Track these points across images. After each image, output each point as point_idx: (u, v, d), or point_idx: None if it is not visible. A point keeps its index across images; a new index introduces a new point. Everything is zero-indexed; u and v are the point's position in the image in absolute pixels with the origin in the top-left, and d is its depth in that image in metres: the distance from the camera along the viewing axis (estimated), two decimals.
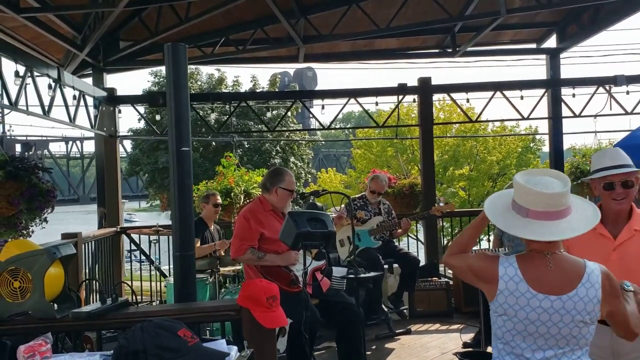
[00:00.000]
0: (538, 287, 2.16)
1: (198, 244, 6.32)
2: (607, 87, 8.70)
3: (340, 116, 11.40)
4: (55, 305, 3.24)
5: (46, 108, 6.55)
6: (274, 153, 24.18)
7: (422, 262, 7.68)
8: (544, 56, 9.56)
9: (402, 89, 8.70)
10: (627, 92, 8.72)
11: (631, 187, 2.83)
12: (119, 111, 8.51)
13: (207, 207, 6.72)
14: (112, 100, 8.35)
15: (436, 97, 12.39)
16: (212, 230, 6.74)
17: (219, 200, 6.89)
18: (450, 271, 8.45)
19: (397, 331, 6.50)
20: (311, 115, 10.63)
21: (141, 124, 24.16)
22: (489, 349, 5.50)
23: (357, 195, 7.08)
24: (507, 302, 2.19)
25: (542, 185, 2.17)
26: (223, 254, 6.25)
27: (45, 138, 46.78)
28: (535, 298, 2.15)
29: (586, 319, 2.15)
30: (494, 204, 2.34)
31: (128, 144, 29.46)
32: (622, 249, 2.78)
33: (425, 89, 8.60)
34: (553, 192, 2.13)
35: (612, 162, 2.86)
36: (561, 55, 9.35)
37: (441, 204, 7.09)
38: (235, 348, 2.28)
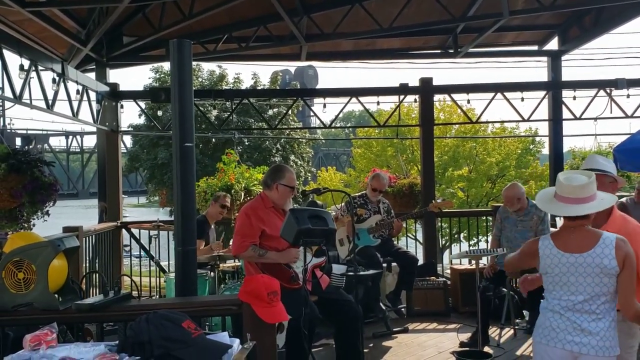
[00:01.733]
0: (565, 249, 2.95)
1: (202, 246, 6.33)
2: (608, 90, 8.73)
3: (340, 115, 11.42)
4: (59, 297, 3.28)
5: (50, 102, 6.58)
6: (274, 151, 24.19)
7: (421, 262, 7.72)
8: (545, 58, 9.58)
9: (403, 89, 8.74)
10: (628, 96, 8.75)
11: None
12: (121, 106, 8.55)
13: (214, 206, 6.66)
14: (115, 95, 8.38)
15: (437, 97, 12.42)
16: (212, 229, 6.77)
17: (227, 202, 6.82)
18: (448, 271, 8.49)
19: (394, 329, 6.54)
20: (312, 114, 10.66)
21: (141, 120, 24.17)
22: (486, 349, 5.55)
23: (357, 194, 7.11)
24: (546, 263, 3.00)
25: (570, 179, 2.99)
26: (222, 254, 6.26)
27: (45, 132, 46.82)
28: (563, 256, 2.94)
29: (604, 271, 2.85)
30: (542, 198, 3.19)
31: (128, 140, 29.51)
32: None
33: (426, 90, 8.63)
34: (575, 184, 2.95)
35: (587, 166, 3.52)
36: (562, 58, 9.37)
37: (438, 200, 7.14)
38: (237, 341, 2.31)
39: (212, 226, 6.83)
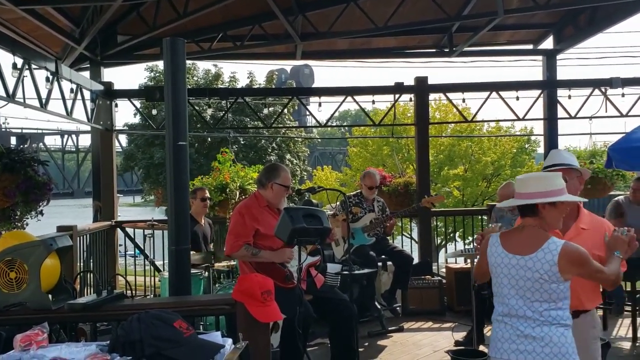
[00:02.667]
0: (509, 249, 2.87)
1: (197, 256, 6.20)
2: (603, 89, 8.74)
3: (336, 114, 11.41)
4: (51, 297, 3.25)
5: (43, 101, 6.55)
6: (269, 150, 24.16)
7: (416, 261, 7.72)
8: (540, 57, 9.59)
9: (398, 88, 8.73)
10: (623, 95, 8.75)
11: (565, 182, 3.06)
12: (116, 105, 8.52)
13: (195, 203, 6.49)
14: (109, 94, 8.35)
15: (432, 96, 12.42)
16: (203, 225, 6.66)
17: (207, 194, 6.71)
18: (443, 270, 8.49)
19: (389, 328, 6.54)
20: (308, 113, 10.64)
21: (137, 119, 24.13)
22: (481, 347, 5.55)
23: (352, 193, 7.11)
24: (491, 262, 2.95)
25: (526, 175, 3.01)
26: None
27: (40, 131, 46.66)
28: (507, 257, 2.87)
29: (544, 277, 2.73)
30: (502, 204, 3.42)
31: (123, 139, 29.42)
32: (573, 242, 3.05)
33: (421, 88, 8.63)
34: (520, 178, 2.96)
35: (550, 161, 3.41)
36: (557, 57, 9.38)
37: (433, 195, 7.15)
38: (230, 340, 2.30)
39: (204, 221, 6.73)
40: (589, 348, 3.09)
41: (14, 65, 5.97)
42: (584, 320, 3.10)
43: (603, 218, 3.41)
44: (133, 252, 9.14)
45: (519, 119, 9.11)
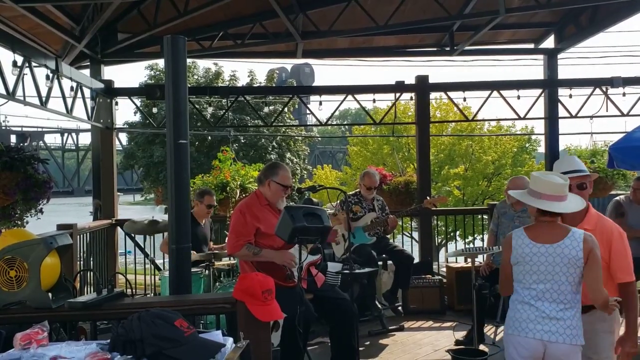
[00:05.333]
0: (536, 239, 3.18)
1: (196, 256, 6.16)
2: (604, 89, 8.73)
3: (337, 113, 11.40)
4: (51, 295, 3.24)
5: (43, 99, 6.53)
6: (270, 148, 24.15)
7: (416, 260, 7.71)
8: (541, 56, 9.57)
9: (399, 87, 8.71)
10: (624, 94, 8.74)
11: (585, 188, 3.53)
12: (116, 103, 8.50)
13: (200, 206, 6.43)
14: (109, 92, 8.33)
15: (433, 95, 12.40)
16: (203, 226, 6.63)
17: (214, 202, 6.60)
18: (443, 269, 8.48)
19: (390, 328, 6.53)
20: (308, 112, 10.62)
21: (137, 117, 24.11)
22: (481, 347, 5.55)
23: (351, 193, 7.10)
24: (517, 253, 3.21)
25: (552, 178, 3.22)
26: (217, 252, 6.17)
27: (40, 129, 46.66)
28: (535, 246, 3.17)
29: (572, 261, 3.09)
30: (515, 193, 3.44)
31: (123, 138, 29.42)
32: None
33: (422, 87, 8.61)
34: (559, 182, 3.19)
35: (570, 167, 3.56)
36: (559, 56, 9.37)
37: (435, 196, 7.13)
38: (230, 339, 2.29)
39: (205, 221, 6.68)
40: (594, 340, 3.32)
41: (14, 63, 5.95)
42: (592, 315, 3.30)
43: (611, 220, 3.54)
44: (128, 250, 9.04)
45: (519, 118, 9.10)
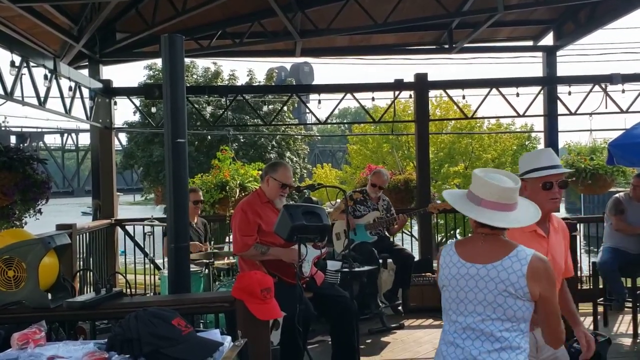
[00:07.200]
0: (467, 258, 2.42)
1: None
2: (603, 86, 8.72)
3: (336, 112, 11.40)
4: (50, 295, 3.24)
5: (42, 99, 6.52)
6: (269, 148, 24.12)
7: (416, 258, 7.70)
8: (540, 54, 9.56)
9: (398, 85, 8.71)
10: (623, 91, 8.72)
11: (565, 187, 3.01)
12: (115, 103, 8.49)
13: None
14: (108, 92, 8.32)
15: (432, 93, 12.38)
16: (195, 225, 6.62)
17: (200, 197, 6.69)
18: None
19: (390, 326, 6.53)
20: (307, 111, 10.61)
21: (136, 117, 24.07)
22: None
23: (358, 189, 7.12)
24: (444, 274, 2.47)
25: (497, 180, 2.42)
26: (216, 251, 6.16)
27: (40, 130, 46.62)
28: (464, 266, 2.41)
29: (509, 289, 2.30)
30: (451, 194, 2.61)
31: (123, 138, 29.39)
32: (551, 246, 2.91)
33: (421, 85, 8.60)
34: (505, 187, 2.40)
35: (550, 162, 2.95)
36: (557, 53, 9.35)
37: (437, 202, 7.13)
38: (229, 338, 2.29)
39: (197, 220, 6.68)
40: None
41: (12, 63, 5.93)
42: None
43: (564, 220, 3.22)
44: (123, 250, 9.00)
45: (519, 116, 9.07)
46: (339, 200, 6.71)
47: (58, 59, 7.01)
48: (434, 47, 9.59)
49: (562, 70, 9.43)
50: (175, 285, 3.91)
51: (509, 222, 2.39)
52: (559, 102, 8.96)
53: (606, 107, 8.85)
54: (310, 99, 9.63)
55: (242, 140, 23.41)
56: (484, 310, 2.34)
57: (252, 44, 8.61)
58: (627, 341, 6.12)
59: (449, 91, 9.43)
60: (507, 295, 2.31)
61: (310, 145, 37.50)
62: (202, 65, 25.10)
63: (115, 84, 8.50)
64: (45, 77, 6.53)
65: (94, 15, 6.84)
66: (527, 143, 21.86)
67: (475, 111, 9.75)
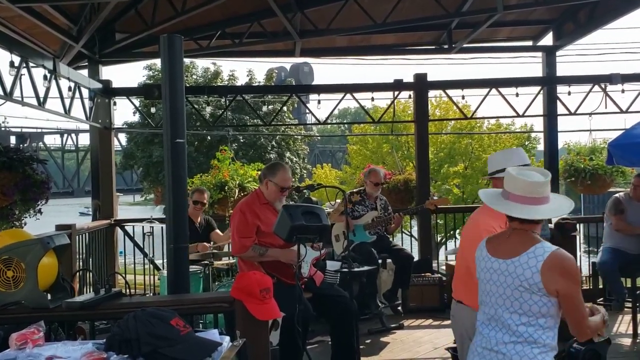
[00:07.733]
0: (493, 252, 2.58)
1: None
2: (603, 86, 8.71)
3: (336, 112, 11.40)
4: (49, 295, 3.24)
5: (41, 99, 6.52)
6: (269, 148, 24.12)
7: (416, 258, 7.70)
8: (540, 54, 9.55)
9: (398, 85, 8.71)
10: (623, 91, 8.72)
11: None
12: (114, 103, 8.49)
13: (190, 205, 6.39)
14: (108, 92, 8.32)
15: (432, 94, 12.37)
16: (198, 225, 6.63)
17: (203, 199, 6.68)
18: (443, 267, 8.47)
19: (390, 326, 6.53)
20: (307, 111, 10.61)
21: (136, 118, 24.07)
22: None
23: (355, 190, 7.11)
24: (478, 267, 2.68)
25: (526, 175, 2.53)
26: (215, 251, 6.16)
27: (40, 130, 46.56)
28: (489, 260, 2.58)
29: (524, 284, 2.42)
30: (485, 192, 2.76)
31: (123, 138, 29.38)
32: None
33: (421, 85, 8.60)
34: (532, 181, 2.49)
35: (521, 161, 3.08)
36: (557, 53, 9.35)
37: (434, 197, 7.12)
38: (227, 338, 2.29)
39: (200, 219, 6.69)
40: (461, 343, 3.08)
41: (12, 64, 5.93)
42: (460, 311, 3.16)
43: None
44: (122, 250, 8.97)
45: (518, 116, 9.07)
46: (338, 201, 6.70)
47: (57, 59, 7.01)
48: (434, 47, 9.59)
49: (561, 70, 9.43)
50: (174, 285, 3.91)
51: (537, 213, 2.48)
52: (558, 102, 8.96)
53: (606, 107, 8.84)
54: (310, 99, 9.64)
55: (241, 140, 23.42)
56: (503, 303, 2.48)
57: (251, 44, 8.61)
58: (627, 341, 6.12)
59: (448, 91, 9.43)
60: (523, 290, 2.42)
61: (310, 145, 37.50)
62: (201, 65, 25.14)
63: (114, 84, 8.50)
64: (45, 77, 6.53)
65: (93, 15, 6.84)
66: (526, 143, 21.84)
67: (475, 111, 9.74)
